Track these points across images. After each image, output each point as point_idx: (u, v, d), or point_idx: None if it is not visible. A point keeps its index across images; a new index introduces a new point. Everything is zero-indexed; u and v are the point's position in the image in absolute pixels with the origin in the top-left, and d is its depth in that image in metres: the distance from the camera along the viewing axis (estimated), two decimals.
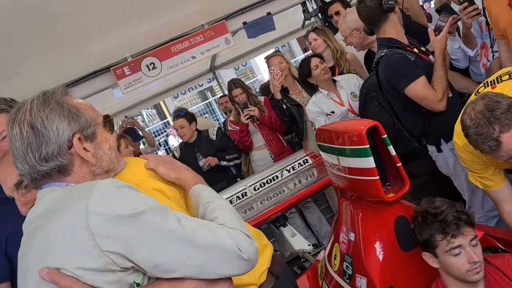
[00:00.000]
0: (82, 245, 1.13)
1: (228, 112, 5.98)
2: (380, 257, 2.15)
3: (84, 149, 1.33)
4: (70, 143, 1.30)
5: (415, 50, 2.89)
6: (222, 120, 10.47)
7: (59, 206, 1.21)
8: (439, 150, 2.94)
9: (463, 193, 2.91)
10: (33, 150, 1.26)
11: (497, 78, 2.30)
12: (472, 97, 2.33)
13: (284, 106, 4.46)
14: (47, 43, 3.89)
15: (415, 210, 2.00)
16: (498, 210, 2.43)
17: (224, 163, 4.83)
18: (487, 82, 2.34)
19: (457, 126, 2.25)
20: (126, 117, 6.33)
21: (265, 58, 4.86)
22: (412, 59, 2.81)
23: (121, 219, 1.15)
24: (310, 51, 4.64)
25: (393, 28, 2.90)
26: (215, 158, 4.78)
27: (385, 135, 2.09)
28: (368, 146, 2.03)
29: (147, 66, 5.22)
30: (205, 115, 14.74)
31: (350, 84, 3.89)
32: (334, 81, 3.93)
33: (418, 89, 2.78)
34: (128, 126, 5.84)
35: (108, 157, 1.39)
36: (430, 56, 2.93)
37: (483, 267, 1.83)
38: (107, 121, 1.43)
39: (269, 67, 4.70)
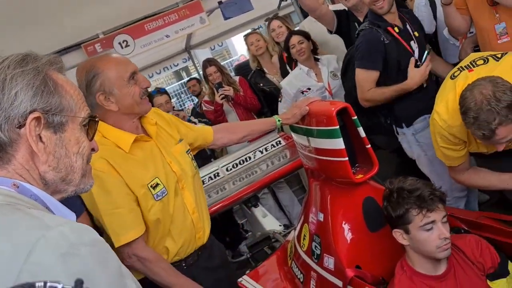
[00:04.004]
0: None
1: (201, 95, 5.99)
2: (348, 237, 2.18)
3: (39, 136, 1.01)
4: (23, 119, 0.98)
5: (396, 29, 2.87)
6: (197, 100, 10.41)
7: None
8: (400, 132, 3.03)
9: (429, 177, 2.97)
10: None
11: (471, 62, 2.33)
12: (448, 80, 2.37)
13: (262, 87, 4.50)
14: (14, 17, 3.78)
15: (388, 188, 2.01)
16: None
17: None
18: (461, 66, 2.37)
19: (450, 101, 2.27)
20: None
21: (244, 36, 4.85)
22: (387, 41, 2.83)
23: None
24: None
25: None
26: None
27: (355, 117, 2.11)
28: (337, 127, 2.04)
29: (119, 43, 5.15)
30: (181, 96, 14.61)
31: (330, 64, 3.93)
32: (317, 59, 3.95)
33: (361, 76, 2.88)
34: None
35: (69, 163, 1.06)
36: (413, 43, 2.91)
37: (450, 245, 1.87)
38: (90, 121, 1.12)
39: (246, 45, 4.71)
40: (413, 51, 2.87)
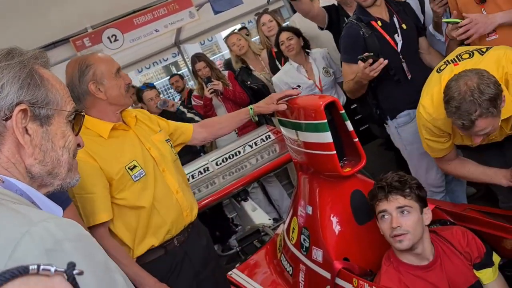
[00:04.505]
0: None
1: (184, 91, 6.01)
2: (336, 230, 2.21)
3: (25, 129, 1.01)
4: (10, 111, 0.99)
5: (379, 23, 2.89)
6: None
7: None
8: (385, 123, 3.09)
9: (410, 169, 3.01)
10: None
11: (457, 56, 2.37)
12: (434, 74, 2.40)
13: (249, 84, 4.51)
14: (1, 10, 3.74)
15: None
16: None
17: None
18: (447, 60, 2.40)
19: (435, 95, 2.31)
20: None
21: (224, 39, 4.88)
22: (366, 35, 2.86)
23: None
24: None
25: None
26: None
27: (343, 111, 2.13)
28: (326, 121, 2.06)
29: (108, 38, 5.12)
30: (169, 90, 14.55)
31: (322, 58, 3.95)
32: (308, 53, 3.96)
33: (344, 68, 3.03)
34: None
35: (56, 157, 1.07)
36: (396, 36, 2.91)
37: (410, 238, 1.88)
38: (75, 115, 1.13)
39: (228, 46, 4.74)
40: (396, 44, 2.90)
